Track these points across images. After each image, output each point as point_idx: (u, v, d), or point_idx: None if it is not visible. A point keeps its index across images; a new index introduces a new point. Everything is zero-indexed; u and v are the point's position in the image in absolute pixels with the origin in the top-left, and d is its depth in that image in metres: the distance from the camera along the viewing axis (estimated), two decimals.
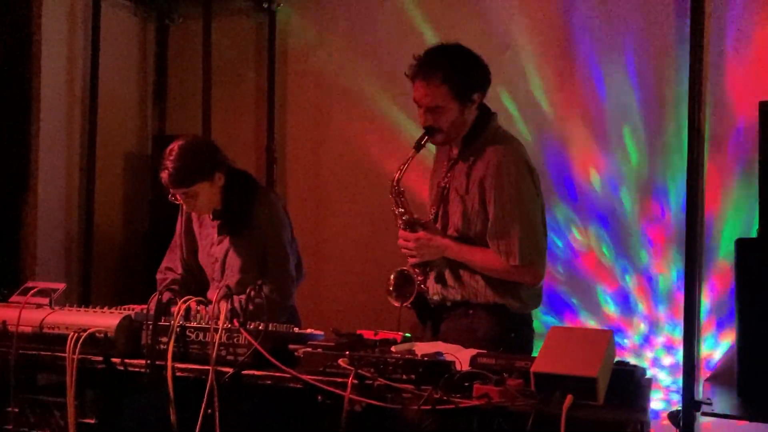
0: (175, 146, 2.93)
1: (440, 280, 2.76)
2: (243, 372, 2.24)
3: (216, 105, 4.43)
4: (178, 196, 2.95)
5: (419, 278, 2.75)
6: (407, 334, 2.46)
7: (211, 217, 3.09)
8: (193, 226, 3.20)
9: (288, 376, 2.17)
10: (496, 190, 2.63)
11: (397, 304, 2.76)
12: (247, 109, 4.56)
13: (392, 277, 2.77)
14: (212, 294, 3.05)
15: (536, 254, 2.66)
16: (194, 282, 3.19)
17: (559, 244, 3.83)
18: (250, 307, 2.45)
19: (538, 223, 2.71)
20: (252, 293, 2.39)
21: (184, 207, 3.07)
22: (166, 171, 2.89)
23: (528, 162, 2.72)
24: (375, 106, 4.18)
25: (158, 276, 3.22)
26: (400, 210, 2.77)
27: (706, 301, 3.43)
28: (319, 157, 4.41)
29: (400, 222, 2.77)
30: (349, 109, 4.29)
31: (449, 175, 2.78)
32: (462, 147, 2.76)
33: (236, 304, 2.70)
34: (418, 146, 2.71)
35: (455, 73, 2.64)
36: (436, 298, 2.77)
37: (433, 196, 2.86)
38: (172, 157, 2.89)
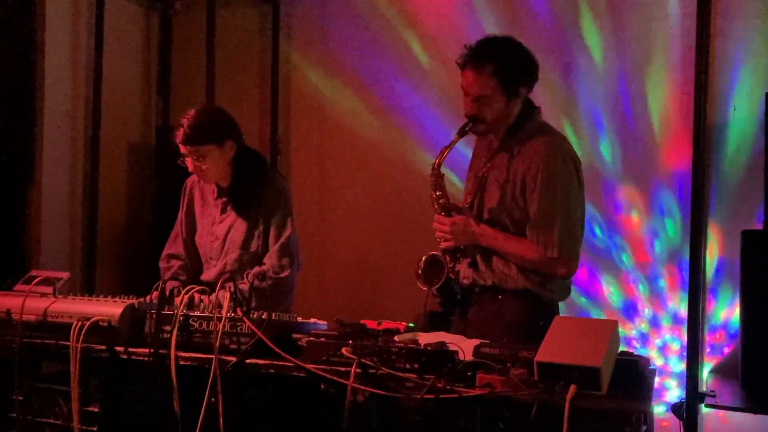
0: (193, 109, 3.02)
1: (472, 264, 2.75)
2: (246, 361, 2.24)
3: (220, 95, 4.40)
4: (187, 160, 2.99)
5: (449, 264, 2.74)
6: (411, 324, 2.46)
7: (215, 194, 3.12)
8: (194, 207, 3.21)
9: (291, 364, 2.17)
10: (543, 183, 2.61)
11: (424, 288, 2.74)
12: (251, 100, 4.55)
13: (422, 260, 2.76)
14: (207, 275, 3.08)
15: (573, 248, 2.65)
16: (193, 267, 3.20)
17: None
18: (254, 294, 2.44)
19: (578, 217, 2.70)
20: (255, 282, 2.39)
21: (190, 168, 3.04)
22: (181, 128, 2.97)
23: (573, 155, 2.71)
24: (380, 95, 4.17)
25: (161, 264, 3.22)
26: (438, 194, 2.77)
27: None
28: (324, 147, 4.39)
29: (437, 206, 2.77)
30: (353, 98, 4.28)
31: (488, 165, 2.77)
32: (504, 138, 2.75)
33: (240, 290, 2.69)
34: (462, 132, 2.72)
35: (506, 66, 2.64)
36: (465, 281, 2.77)
37: (470, 185, 2.85)
38: (188, 116, 2.99)
